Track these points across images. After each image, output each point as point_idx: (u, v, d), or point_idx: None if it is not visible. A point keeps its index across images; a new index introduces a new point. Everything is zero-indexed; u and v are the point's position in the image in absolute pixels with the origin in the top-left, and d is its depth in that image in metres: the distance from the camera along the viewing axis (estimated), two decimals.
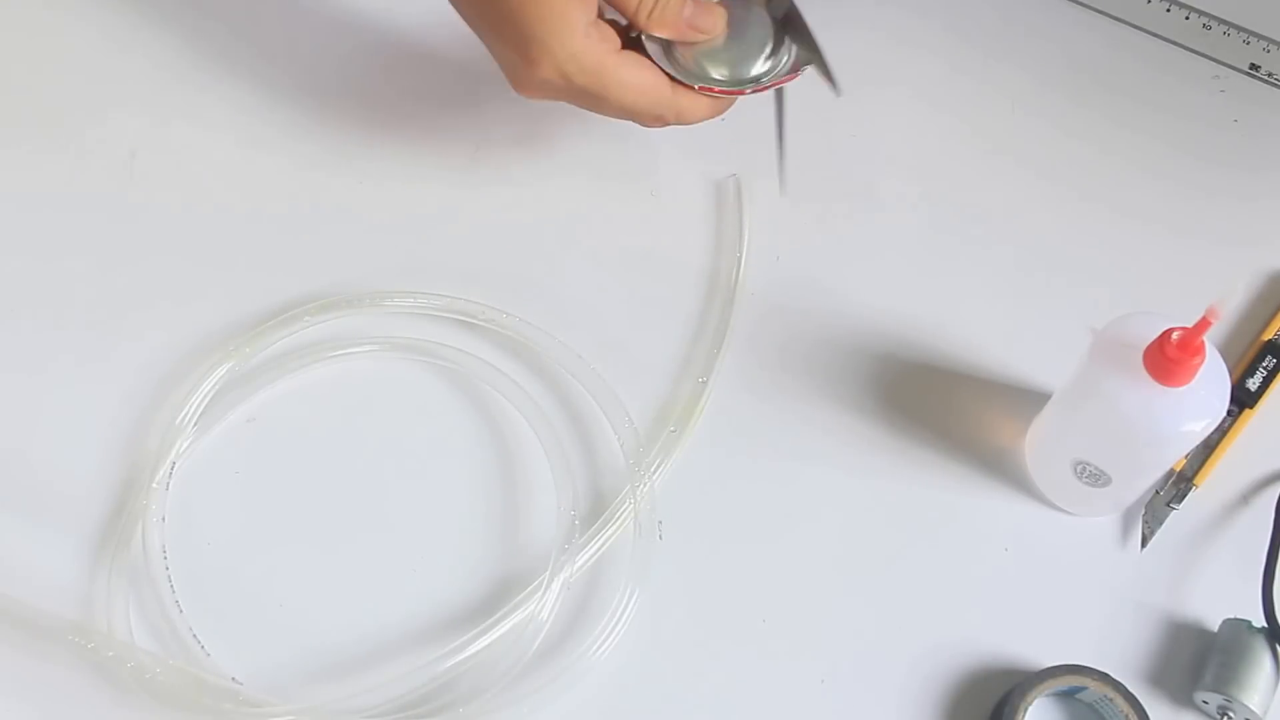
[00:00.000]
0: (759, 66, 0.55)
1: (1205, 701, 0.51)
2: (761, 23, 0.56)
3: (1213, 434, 0.55)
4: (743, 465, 0.56)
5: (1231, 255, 0.62)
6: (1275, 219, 0.63)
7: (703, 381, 0.57)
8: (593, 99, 0.54)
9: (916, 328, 0.59)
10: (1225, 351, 0.56)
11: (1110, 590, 0.54)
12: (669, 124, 0.56)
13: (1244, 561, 0.54)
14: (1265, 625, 0.51)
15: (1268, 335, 0.59)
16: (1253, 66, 0.67)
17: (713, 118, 0.57)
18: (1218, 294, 0.44)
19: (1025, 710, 0.50)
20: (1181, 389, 0.47)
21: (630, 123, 0.56)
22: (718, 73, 0.55)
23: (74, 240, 0.61)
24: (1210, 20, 0.67)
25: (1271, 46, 0.66)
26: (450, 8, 0.54)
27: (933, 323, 0.60)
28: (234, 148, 0.63)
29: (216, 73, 0.65)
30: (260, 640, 0.52)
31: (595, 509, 0.55)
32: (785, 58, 0.56)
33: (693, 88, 0.55)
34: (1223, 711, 0.51)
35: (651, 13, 0.53)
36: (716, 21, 0.55)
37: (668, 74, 0.55)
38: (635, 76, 0.54)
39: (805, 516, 0.55)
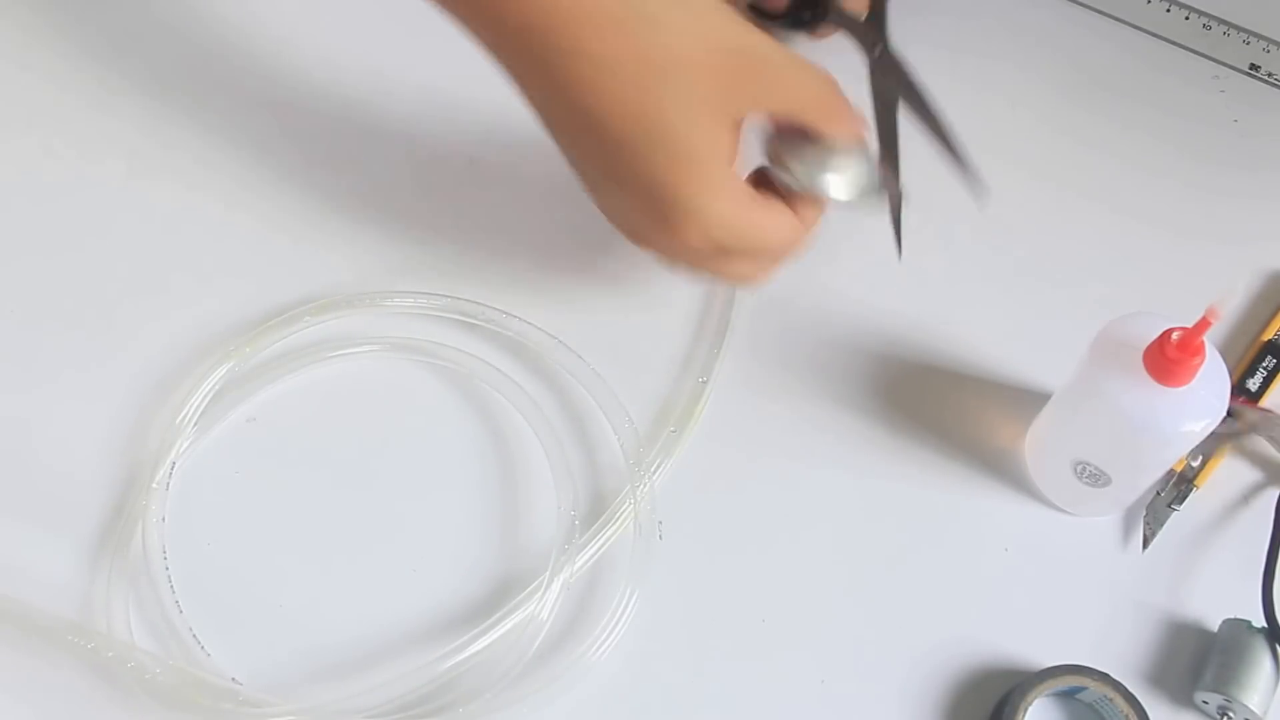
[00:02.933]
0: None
1: (1205, 701, 0.51)
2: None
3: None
4: (743, 465, 0.56)
5: (1231, 255, 0.62)
6: (1275, 219, 0.63)
7: (703, 381, 0.57)
8: (736, 256, 0.49)
9: (916, 328, 0.59)
10: (1225, 351, 0.56)
11: (1110, 590, 0.54)
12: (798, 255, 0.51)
13: (1244, 561, 0.54)
14: (1265, 625, 0.51)
15: (1268, 335, 0.59)
16: (1253, 66, 0.67)
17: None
18: (1218, 294, 0.44)
19: (1025, 710, 0.50)
20: (1181, 389, 0.47)
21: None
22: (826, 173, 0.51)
23: (74, 240, 0.61)
24: (1210, 20, 0.67)
25: (1271, 46, 0.66)
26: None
27: (933, 323, 0.60)
28: (233, 147, 0.63)
29: (217, 73, 0.66)
30: (260, 640, 0.52)
31: (595, 509, 0.55)
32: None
33: (817, 201, 0.51)
34: (1223, 712, 0.51)
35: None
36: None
37: (789, 189, 0.50)
38: (777, 219, 0.48)
39: (805, 516, 0.55)
